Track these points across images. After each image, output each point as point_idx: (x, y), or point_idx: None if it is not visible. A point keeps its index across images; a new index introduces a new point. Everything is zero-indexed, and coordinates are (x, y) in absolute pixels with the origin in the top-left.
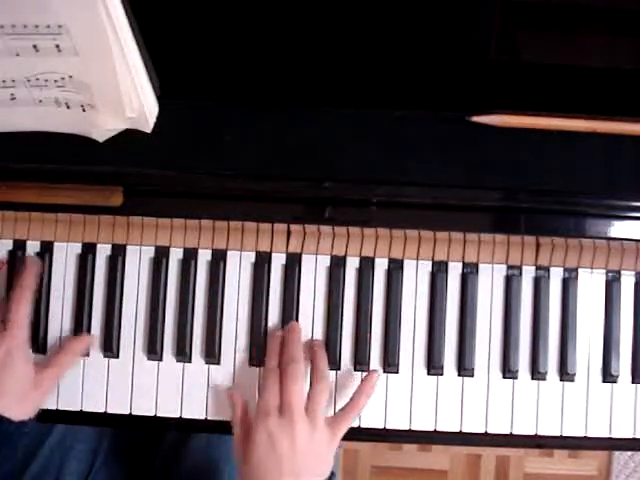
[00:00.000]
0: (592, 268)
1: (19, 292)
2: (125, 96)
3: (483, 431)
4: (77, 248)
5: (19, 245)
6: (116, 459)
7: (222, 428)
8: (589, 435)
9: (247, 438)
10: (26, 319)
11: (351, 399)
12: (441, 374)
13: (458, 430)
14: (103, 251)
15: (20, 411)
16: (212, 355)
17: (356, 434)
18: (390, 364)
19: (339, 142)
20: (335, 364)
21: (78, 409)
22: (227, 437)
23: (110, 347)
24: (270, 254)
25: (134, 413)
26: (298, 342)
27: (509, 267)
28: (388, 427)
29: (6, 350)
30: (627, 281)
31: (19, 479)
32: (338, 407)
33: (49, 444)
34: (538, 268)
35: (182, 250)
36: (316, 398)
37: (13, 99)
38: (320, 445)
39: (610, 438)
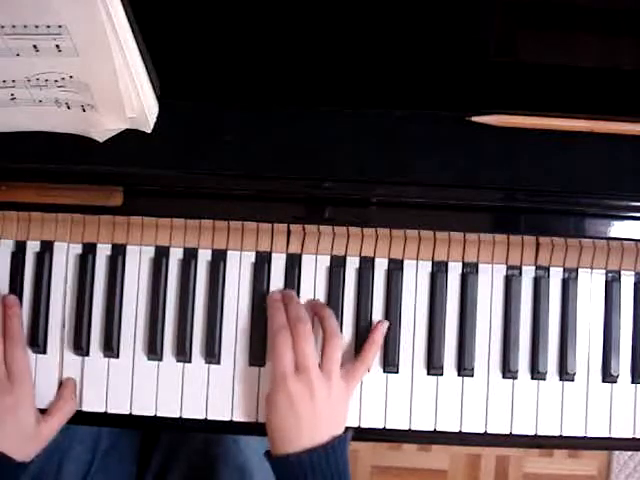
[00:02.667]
0: (592, 268)
1: (11, 343)
2: (125, 96)
3: (483, 431)
4: (77, 248)
5: (20, 245)
6: (114, 460)
7: (222, 428)
8: (589, 435)
9: (268, 398)
10: (27, 367)
11: (362, 350)
12: (441, 374)
13: (458, 430)
14: (103, 251)
15: (19, 454)
16: (212, 355)
17: (356, 434)
18: (390, 364)
19: (339, 142)
20: None
21: (78, 409)
22: (226, 437)
23: (110, 347)
24: (270, 254)
25: (134, 413)
26: (299, 304)
27: (509, 267)
28: (388, 427)
29: (14, 400)
30: (627, 281)
31: None
32: None
33: (47, 446)
34: (538, 268)
35: (182, 250)
36: (330, 355)
37: (13, 99)
38: (337, 400)
39: (610, 438)
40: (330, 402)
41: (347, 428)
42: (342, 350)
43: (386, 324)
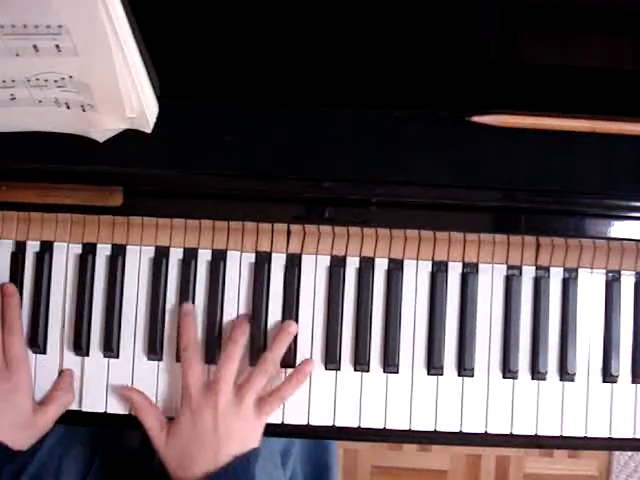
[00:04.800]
0: (592, 268)
1: (9, 332)
2: (125, 96)
3: (483, 431)
4: (77, 248)
5: (20, 245)
6: (114, 459)
7: None
8: (589, 435)
9: (169, 423)
10: (25, 355)
11: (281, 386)
12: (441, 374)
13: (458, 430)
14: (103, 251)
15: (13, 442)
16: (212, 355)
17: (356, 434)
18: (390, 364)
19: (339, 142)
20: (335, 364)
21: (78, 409)
22: None
23: (110, 347)
24: (270, 254)
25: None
26: (244, 326)
27: (509, 267)
28: (388, 427)
29: (11, 387)
30: (627, 281)
31: (17, 479)
32: (339, 407)
33: (47, 444)
34: (538, 268)
35: (182, 250)
36: (252, 380)
37: (13, 99)
38: (244, 421)
39: (610, 438)
40: (236, 419)
41: (256, 449)
42: (266, 381)
43: (312, 364)
